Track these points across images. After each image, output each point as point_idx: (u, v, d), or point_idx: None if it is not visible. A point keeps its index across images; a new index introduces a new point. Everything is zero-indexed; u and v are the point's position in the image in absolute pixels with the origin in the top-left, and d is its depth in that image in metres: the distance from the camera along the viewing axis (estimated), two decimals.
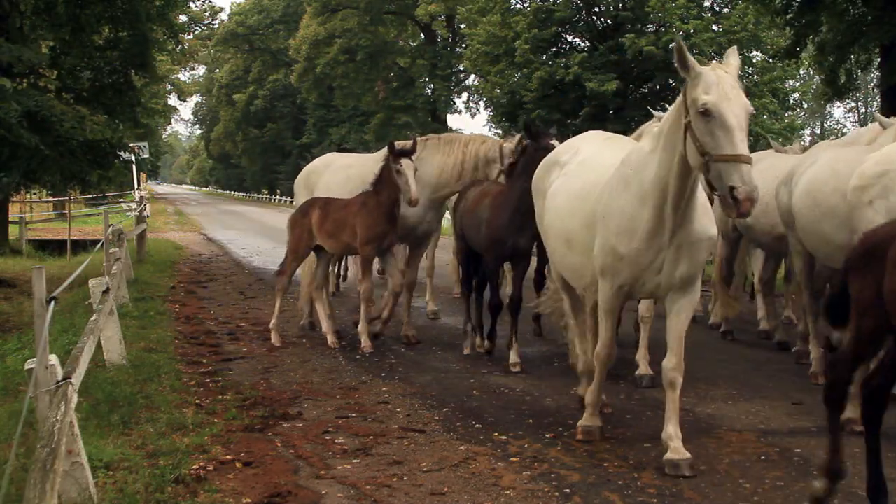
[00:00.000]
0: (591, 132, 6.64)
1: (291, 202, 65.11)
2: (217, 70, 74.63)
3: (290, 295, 12.74)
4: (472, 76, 39.18)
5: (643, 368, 7.20)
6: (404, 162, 8.14)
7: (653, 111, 8.23)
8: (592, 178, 5.45)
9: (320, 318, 9.17)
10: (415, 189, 8.07)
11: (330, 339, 8.87)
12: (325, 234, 8.79)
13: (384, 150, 8.69)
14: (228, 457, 5.25)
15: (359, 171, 9.54)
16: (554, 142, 7.23)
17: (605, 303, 5.31)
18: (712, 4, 24.03)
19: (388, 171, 8.32)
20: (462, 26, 38.58)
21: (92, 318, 5.85)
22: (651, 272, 5.08)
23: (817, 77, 19.29)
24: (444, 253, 13.75)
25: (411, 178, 8.11)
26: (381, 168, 8.50)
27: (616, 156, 5.42)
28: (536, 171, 6.37)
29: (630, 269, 5.08)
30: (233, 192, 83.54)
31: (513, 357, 7.68)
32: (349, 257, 12.74)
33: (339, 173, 10.07)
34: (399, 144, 8.50)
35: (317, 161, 11.11)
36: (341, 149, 58.98)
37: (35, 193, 28.19)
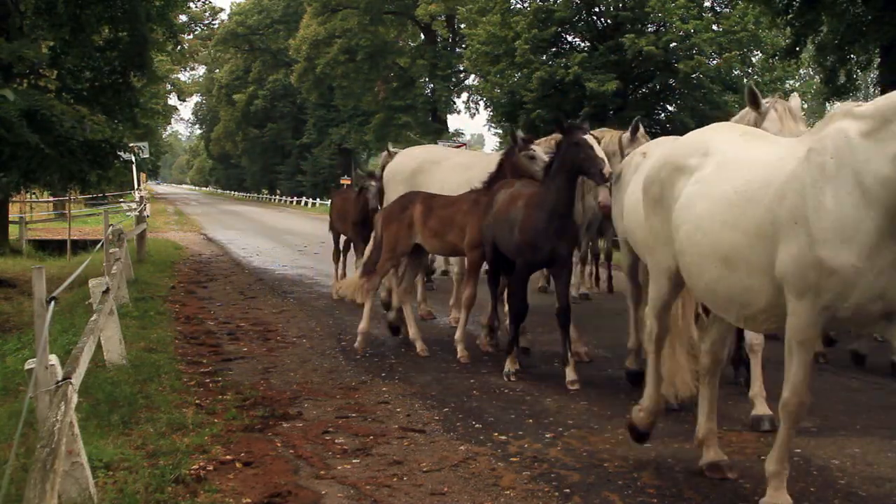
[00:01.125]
0: (716, 125, 5.38)
1: (291, 202, 64.61)
2: (217, 70, 74.77)
3: (290, 295, 12.77)
4: (472, 76, 39.22)
5: (760, 408, 5.89)
6: (534, 146, 7.70)
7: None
8: (756, 178, 4.23)
9: (408, 324, 8.61)
10: None
11: (419, 345, 8.34)
12: (428, 233, 8.13)
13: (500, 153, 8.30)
14: (228, 457, 5.25)
15: (482, 172, 8.50)
16: (587, 136, 6.80)
17: (800, 331, 4.02)
18: (712, 4, 24.04)
19: (510, 165, 7.83)
20: (462, 26, 38.58)
21: (92, 318, 5.85)
22: (868, 290, 3.80)
23: (817, 76, 19.33)
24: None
25: (546, 159, 7.68)
26: (499, 163, 7.99)
27: (775, 151, 4.35)
28: (649, 178, 5.13)
29: (843, 286, 3.82)
30: (233, 192, 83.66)
31: (570, 374, 7.05)
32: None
33: (457, 173, 9.16)
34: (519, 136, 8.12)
35: (418, 155, 10.05)
36: (340, 149, 59.21)
37: (34, 194, 28.21)
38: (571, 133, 6.85)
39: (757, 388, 5.94)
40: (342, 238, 12.70)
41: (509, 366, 7.36)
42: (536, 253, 7.11)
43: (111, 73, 16.48)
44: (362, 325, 8.40)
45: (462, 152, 10.56)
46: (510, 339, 7.54)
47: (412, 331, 8.50)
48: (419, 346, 8.36)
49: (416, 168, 9.62)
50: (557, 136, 9.27)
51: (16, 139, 11.22)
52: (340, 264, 12.73)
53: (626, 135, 8.18)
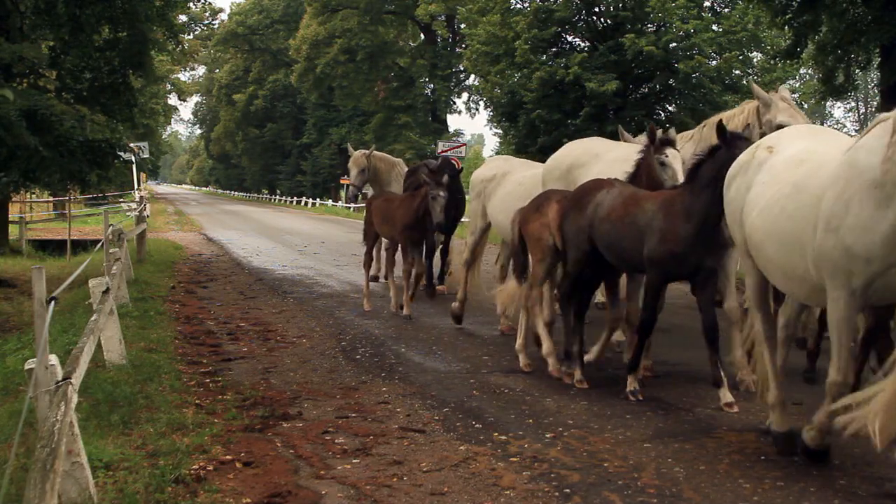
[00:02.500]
0: None
1: (291, 202, 64.85)
2: (217, 70, 74.83)
3: (290, 295, 12.77)
4: (472, 76, 39.22)
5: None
6: (670, 152, 6.92)
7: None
8: None
9: (542, 337, 7.61)
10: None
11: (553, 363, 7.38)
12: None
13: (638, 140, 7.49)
14: (228, 457, 5.25)
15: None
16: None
17: None
18: (712, 4, 24.02)
19: (647, 165, 7.09)
20: (462, 26, 38.57)
21: (92, 318, 5.85)
22: None
23: (817, 77, 19.34)
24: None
25: (679, 171, 6.80)
26: (637, 161, 7.20)
27: None
28: None
29: None
30: (233, 192, 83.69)
31: (725, 396, 6.33)
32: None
33: (614, 168, 8.14)
34: (661, 133, 7.31)
35: (575, 148, 9.14)
36: (340, 149, 59.21)
37: (34, 193, 28.24)
38: (735, 145, 6.05)
39: None
40: (369, 244, 11.67)
41: (633, 384, 6.75)
42: (680, 265, 6.42)
43: (110, 73, 16.48)
44: (518, 344, 7.60)
45: (621, 145, 9.15)
46: (634, 355, 6.85)
47: (545, 345, 7.52)
48: (552, 363, 7.39)
49: (572, 163, 8.80)
50: (693, 132, 8.22)
51: (15, 140, 11.21)
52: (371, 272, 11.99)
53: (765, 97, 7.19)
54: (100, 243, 10.98)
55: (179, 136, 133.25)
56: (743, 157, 5.70)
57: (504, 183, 9.82)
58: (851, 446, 5.46)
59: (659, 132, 7.34)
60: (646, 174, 7.12)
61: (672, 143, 7.04)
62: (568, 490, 4.71)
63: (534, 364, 7.68)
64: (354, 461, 5.22)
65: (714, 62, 22.15)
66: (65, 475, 4.04)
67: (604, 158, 8.58)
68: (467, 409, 6.43)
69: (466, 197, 12.35)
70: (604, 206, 6.81)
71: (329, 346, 8.91)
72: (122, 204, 34.62)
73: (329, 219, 38.44)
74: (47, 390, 4.10)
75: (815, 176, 4.86)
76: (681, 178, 6.76)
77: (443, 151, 28.31)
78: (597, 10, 23.67)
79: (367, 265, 11.69)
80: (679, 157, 7.02)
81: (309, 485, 4.84)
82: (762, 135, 6.48)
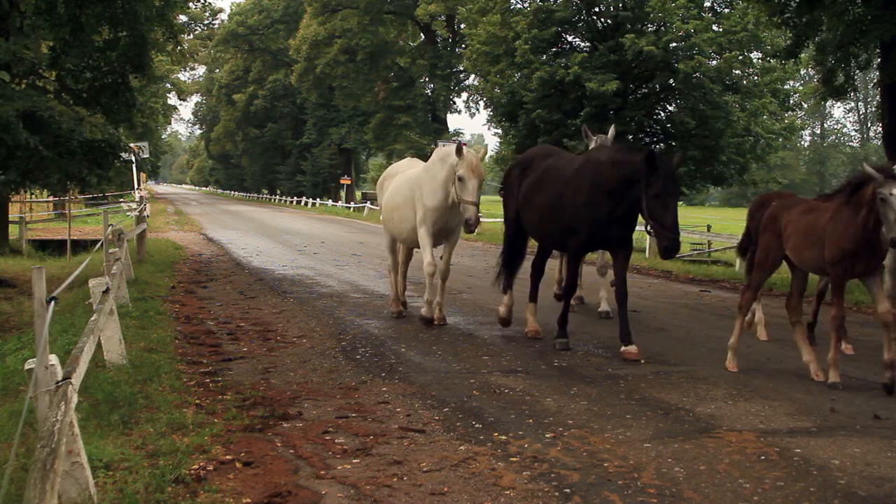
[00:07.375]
0: None
1: (291, 202, 65.08)
2: (217, 70, 74.93)
3: (290, 295, 12.77)
4: (472, 76, 39.23)
5: None
6: None
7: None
8: None
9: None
10: None
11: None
12: None
13: None
14: (228, 457, 5.25)
15: None
16: None
17: None
18: (712, 4, 24.02)
19: None
20: (462, 26, 38.60)
21: (92, 318, 5.85)
22: None
23: (816, 77, 19.33)
24: None
25: None
26: None
27: None
28: None
29: None
30: (233, 192, 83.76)
31: None
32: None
33: None
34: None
35: None
36: (340, 149, 59.08)
37: (34, 194, 28.27)
38: None
39: None
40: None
41: None
42: None
43: (109, 73, 16.46)
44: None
45: None
46: None
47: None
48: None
49: None
50: None
51: (14, 141, 11.20)
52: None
53: None
54: (100, 243, 10.97)
55: (179, 136, 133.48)
56: None
57: None
58: (851, 446, 5.47)
59: None
60: None
61: None
62: (568, 490, 4.71)
63: None
64: (354, 461, 5.22)
65: (714, 62, 22.15)
66: (65, 475, 4.04)
67: None
68: (467, 409, 6.43)
69: None
70: None
71: (329, 346, 8.91)
72: (122, 204, 34.62)
73: (329, 219, 38.45)
74: (47, 390, 4.10)
75: None
76: None
77: None
78: (597, 10, 23.68)
79: (749, 304, 8.05)
80: None
81: (309, 485, 4.84)
82: None
